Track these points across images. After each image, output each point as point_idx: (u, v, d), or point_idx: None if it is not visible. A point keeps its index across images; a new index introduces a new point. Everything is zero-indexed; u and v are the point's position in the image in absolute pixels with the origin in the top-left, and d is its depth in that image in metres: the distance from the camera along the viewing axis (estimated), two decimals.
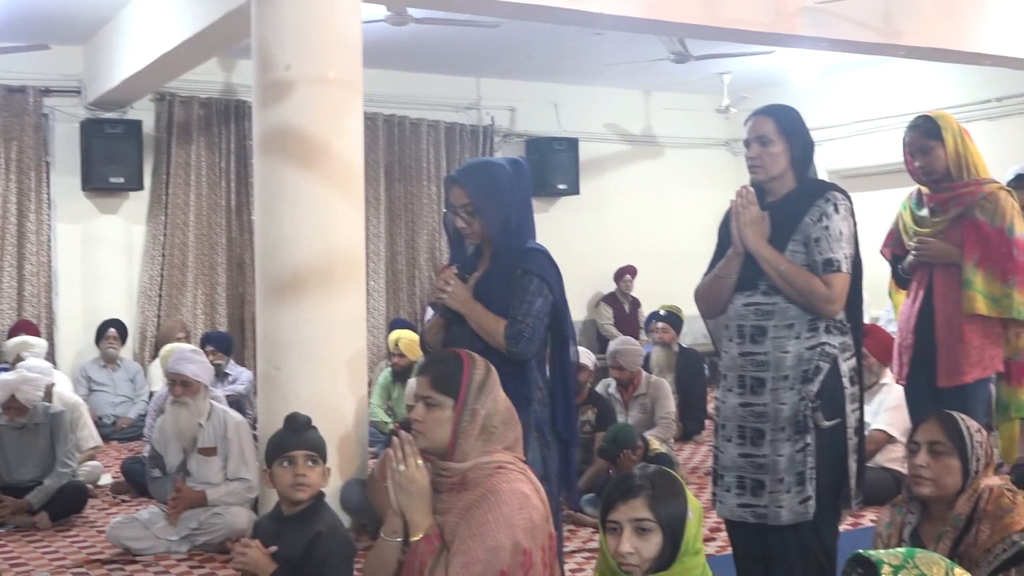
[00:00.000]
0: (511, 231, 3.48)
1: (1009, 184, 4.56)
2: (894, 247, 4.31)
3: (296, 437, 3.41)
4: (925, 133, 4.02)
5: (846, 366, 3.41)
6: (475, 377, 2.74)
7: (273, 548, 3.30)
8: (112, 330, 8.75)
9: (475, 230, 3.51)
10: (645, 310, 10.60)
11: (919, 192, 4.19)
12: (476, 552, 2.55)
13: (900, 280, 4.31)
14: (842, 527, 3.64)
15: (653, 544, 2.38)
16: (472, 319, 3.47)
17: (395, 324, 9.11)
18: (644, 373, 7.08)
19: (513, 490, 2.60)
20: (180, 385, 5.28)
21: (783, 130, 3.44)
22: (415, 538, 2.64)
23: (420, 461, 2.68)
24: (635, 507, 2.40)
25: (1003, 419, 4.02)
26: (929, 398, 4.04)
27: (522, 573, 2.56)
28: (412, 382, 5.41)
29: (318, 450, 3.43)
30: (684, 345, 8.49)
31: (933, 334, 4.04)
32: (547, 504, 2.71)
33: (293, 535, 3.34)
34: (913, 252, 4.14)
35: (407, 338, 7.71)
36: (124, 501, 6.24)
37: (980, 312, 3.94)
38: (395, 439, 2.73)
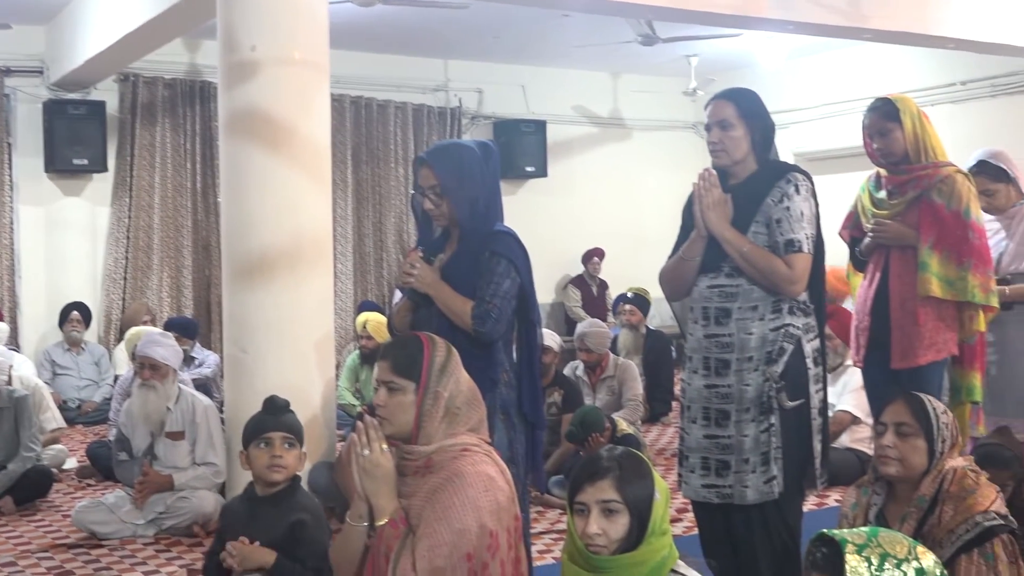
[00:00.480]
0: (479, 213, 3.48)
1: (971, 170, 4.57)
2: (852, 229, 4.32)
3: (274, 419, 3.43)
4: (884, 115, 4.03)
5: (810, 347, 3.44)
6: (436, 360, 2.74)
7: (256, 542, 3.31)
8: (75, 313, 8.67)
9: (443, 212, 3.50)
10: (613, 292, 10.63)
11: (878, 174, 4.21)
12: (442, 535, 2.54)
13: (857, 262, 4.32)
14: (807, 507, 3.68)
15: (620, 525, 2.39)
16: (439, 300, 3.46)
17: (363, 307, 9.07)
18: (612, 355, 7.11)
19: (478, 472, 2.61)
20: (149, 368, 5.24)
21: (743, 114, 3.47)
22: (380, 522, 2.63)
23: (385, 446, 2.67)
24: (602, 489, 2.41)
25: (954, 402, 4.05)
26: (886, 380, 4.06)
27: (489, 555, 2.57)
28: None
29: (295, 433, 3.44)
30: (651, 327, 8.53)
31: (888, 316, 4.06)
32: (512, 486, 2.71)
33: (269, 516, 3.34)
34: (870, 234, 4.16)
35: (375, 320, 7.68)
36: (89, 485, 6.20)
37: (935, 295, 3.96)
38: (360, 424, 2.73)
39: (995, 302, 4.07)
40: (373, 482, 2.66)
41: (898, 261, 4.08)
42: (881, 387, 4.08)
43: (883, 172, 4.15)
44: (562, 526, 4.97)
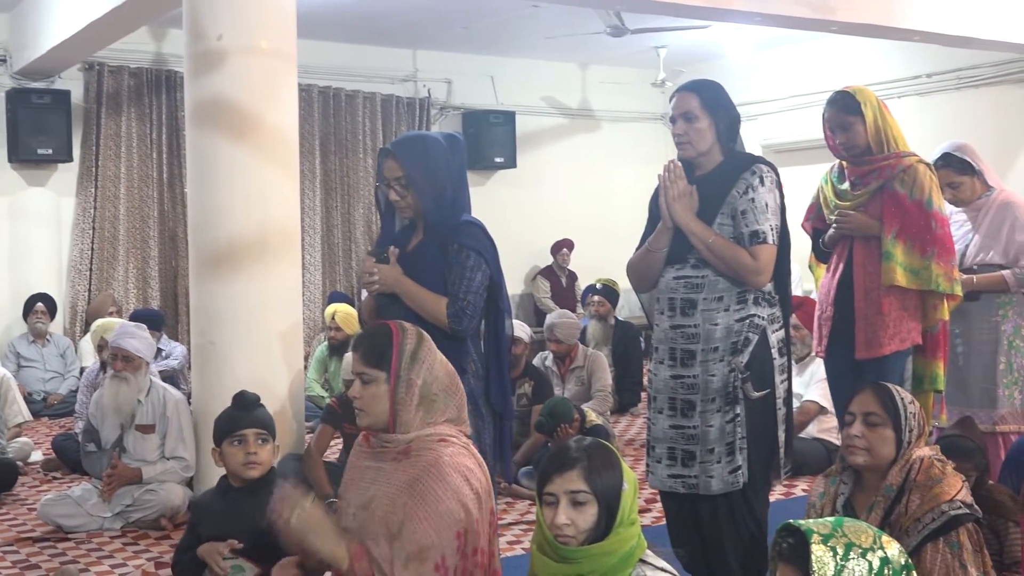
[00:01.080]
0: (445, 205, 3.47)
1: (936, 163, 4.60)
2: (815, 221, 4.33)
3: (246, 416, 3.42)
4: (844, 109, 4.04)
5: (775, 337, 3.47)
6: (406, 347, 2.73)
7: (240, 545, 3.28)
8: (40, 305, 8.58)
9: (408, 203, 3.49)
10: (582, 283, 10.65)
11: (840, 165, 4.23)
12: (426, 517, 2.57)
13: (820, 254, 4.34)
14: (774, 497, 3.71)
15: (589, 516, 2.40)
16: (407, 298, 3.45)
17: (332, 297, 9.05)
18: (581, 346, 7.13)
19: (457, 464, 2.63)
20: (122, 360, 5.20)
21: (707, 105, 3.48)
22: (345, 566, 2.61)
23: (308, 503, 2.64)
24: (571, 479, 2.41)
25: (917, 391, 4.08)
26: (848, 370, 4.09)
27: (476, 539, 2.60)
28: (348, 356, 5.39)
29: (268, 428, 3.43)
30: (620, 318, 8.55)
31: (852, 306, 4.08)
32: (489, 480, 2.73)
33: (247, 507, 3.27)
34: (834, 225, 4.18)
35: (343, 311, 7.67)
36: (55, 478, 6.15)
37: (899, 284, 3.98)
38: (275, 498, 2.67)
39: (959, 291, 4.09)
40: (317, 536, 2.63)
41: (862, 251, 4.09)
42: (843, 377, 4.11)
43: (846, 164, 4.18)
44: (531, 517, 4.98)
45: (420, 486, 2.60)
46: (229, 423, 3.41)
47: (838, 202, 4.15)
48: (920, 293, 4.04)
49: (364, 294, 7.40)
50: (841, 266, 4.16)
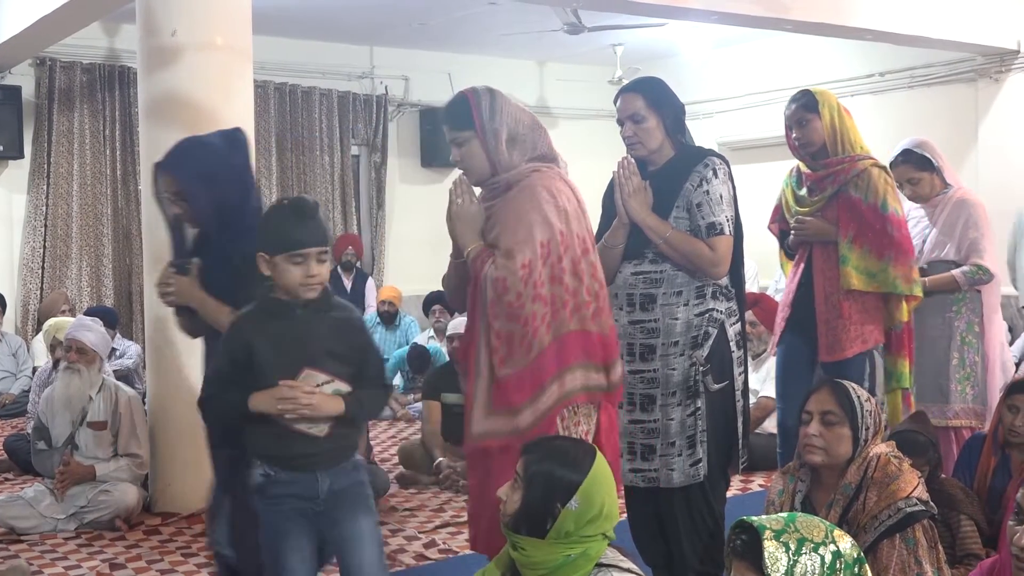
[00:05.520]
0: (228, 213, 3.23)
1: (896, 159, 4.66)
2: (780, 223, 4.38)
3: (310, 231, 2.85)
4: (804, 106, 4.12)
5: (732, 331, 3.51)
6: (482, 104, 3.04)
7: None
8: None
9: (191, 216, 3.31)
10: None
11: (799, 170, 4.28)
12: (511, 224, 2.96)
13: (789, 254, 4.39)
14: (730, 492, 3.73)
15: (514, 500, 2.46)
16: (203, 314, 3.25)
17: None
18: None
19: (546, 184, 3.01)
20: (76, 351, 5.15)
21: (652, 104, 3.51)
22: (467, 251, 3.02)
23: (473, 197, 3.09)
24: (521, 460, 2.51)
25: (888, 389, 4.14)
26: (803, 370, 4.13)
27: (561, 250, 2.95)
28: None
29: (329, 242, 2.94)
30: None
31: (813, 310, 4.13)
32: (582, 203, 3.08)
33: (314, 326, 2.87)
34: (792, 231, 4.23)
35: None
36: (7, 479, 6.06)
37: (857, 287, 4.03)
38: (454, 181, 3.11)
39: (919, 291, 4.16)
40: (460, 224, 3.07)
41: (821, 256, 4.15)
42: (793, 370, 4.16)
43: (803, 167, 4.22)
44: None
45: (513, 202, 3.01)
46: (289, 238, 2.83)
47: (797, 208, 4.21)
48: (881, 295, 4.09)
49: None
50: (801, 269, 4.21)
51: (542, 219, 2.95)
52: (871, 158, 4.12)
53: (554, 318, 2.94)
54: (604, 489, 2.47)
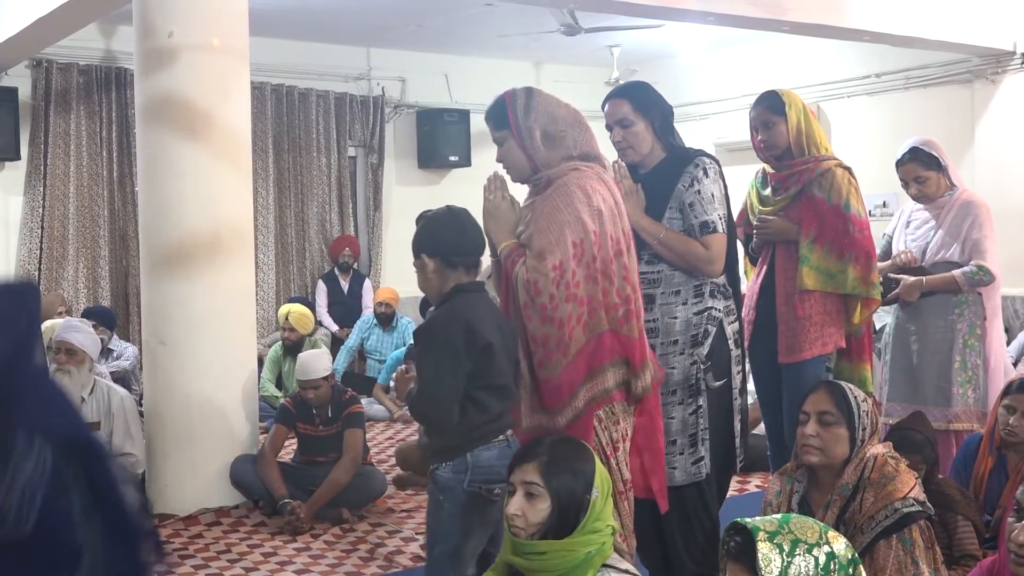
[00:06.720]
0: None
1: (903, 157, 4.63)
2: (745, 226, 4.31)
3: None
4: (769, 108, 4.09)
5: (730, 329, 3.54)
6: (517, 104, 3.11)
7: None
8: None
9: None
10: None
11: (764, 171, 4.27)
12: (543, 224, 2.97)
13: (754, 259, 4.37)
14: (728, 493, 3.73)
15: (539, 510, 2.42)
16: None
17: (291, 300, 9.01)
18: None
19: (581, 184, 3.01)
20: (65, 353, 5.14)
21: (639, 108, 3.55)
22: (500, 249, 3.08)
23: (507, 194, 3.17)
24: (527, 471, 2.45)
25: None
26: (771, 373, 4.11)
27: (595, 249, 2.95)
28: (302, 356, 5.36)
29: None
30: None
31: (774, 311, 4.09)
32: (620, 204, 3.09)
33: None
34: (755, 231, 4.21)
35: (297, 312, 7.63)
36: None
37: (810, 287, 3.99)
38: (488, 177, 3.22)
39: (876, 294, 4.10)
40: (494, 222, 3.16)
41: (783, 256, 4.12)
42: (768, 381, 4.14)
43: (768, 168, 4.21)
44: None
45: (547, 201, 3.02)
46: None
47: (761, 208, 4.19)
48: (843, 298, 4.05)
49: (319, 288, 7.33)
50: (764, 270, 4.19)
51: (575, 218, 2.96)
52: (835, 159, 4.10)
53: (591, 317, 2.97)
54: (600, 472, 2.51)
